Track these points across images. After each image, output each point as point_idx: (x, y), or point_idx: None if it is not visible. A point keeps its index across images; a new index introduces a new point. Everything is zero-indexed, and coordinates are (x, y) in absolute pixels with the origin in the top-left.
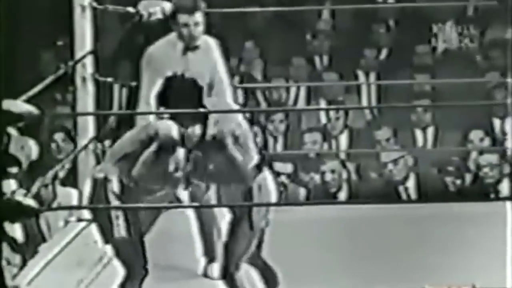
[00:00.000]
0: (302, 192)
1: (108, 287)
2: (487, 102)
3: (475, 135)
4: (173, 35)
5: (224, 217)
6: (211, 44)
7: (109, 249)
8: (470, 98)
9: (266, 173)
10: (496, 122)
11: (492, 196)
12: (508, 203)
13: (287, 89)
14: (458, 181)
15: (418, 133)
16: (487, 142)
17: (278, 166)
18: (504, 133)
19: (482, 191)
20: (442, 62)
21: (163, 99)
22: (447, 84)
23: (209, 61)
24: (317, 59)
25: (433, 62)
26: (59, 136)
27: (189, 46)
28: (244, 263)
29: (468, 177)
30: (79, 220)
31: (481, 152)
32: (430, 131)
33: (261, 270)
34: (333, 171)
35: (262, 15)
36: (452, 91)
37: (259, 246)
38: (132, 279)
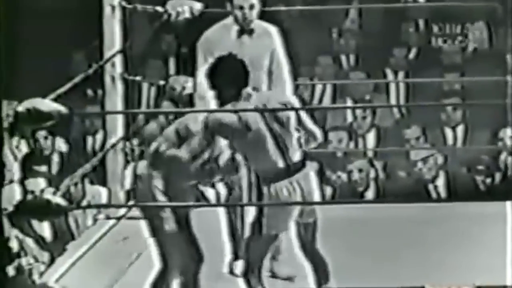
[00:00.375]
0: (328, 191)
1: (136, 284)
2: None
3: (505, 133)
4: (229, 19)
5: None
6: (269, 30)
7: (155, 243)
8: (499, 96)
9: (309, 170)
10: None
11: None
12: (508, 204)
13: (312, 88)
14: (488, 180)
15: (448, 132)
16: None
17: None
18: None
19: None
20: (472, 61)
21: (212, 78)
22: (476, 83)
23: (265, 47)
24: (343, 58)
25: (462, 61)
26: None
27: (244, 29)
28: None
29: (498, 176)
30: (108, 218)
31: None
32: (460, 129)
33: (313, 263)
34: (360, 170)
35: (288, 14)
36: (482, 89)
37: (313, 238)
38: (174, 271)
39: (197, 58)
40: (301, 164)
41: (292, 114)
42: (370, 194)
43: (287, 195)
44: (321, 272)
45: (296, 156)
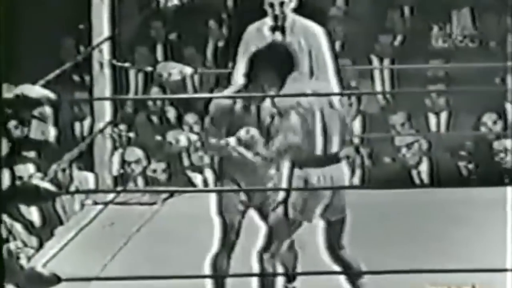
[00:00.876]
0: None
1: (124, 269)
2: (501, 87)
3: (489, 117)
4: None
5: None
6: (309, 30)
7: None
8: (483, 83)
9: (344, 164)
10: (509, 107)
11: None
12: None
13: None
14: (471, 166)
15: (432, 118)
16: (500, 125)
17: None
18: None
19: (496, 176)
20: (457, 48)
21: (251, 69)
22: (461, 70)
23: (301, 46)
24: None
25: (448, 48)
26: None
27: (277, 25)
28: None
29: (483, 162)
30: (95, 203)
31: (497, 137)
32: (444, 115)
33: (342, 266)
34: (347, 157)
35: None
36: (466, 76)
37: (339, 237)
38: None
39: (237, 59)
40: (337, 157)
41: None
42: (356, 180)
43: (316, 183)
44: (351, 270)
45: (335, 148)
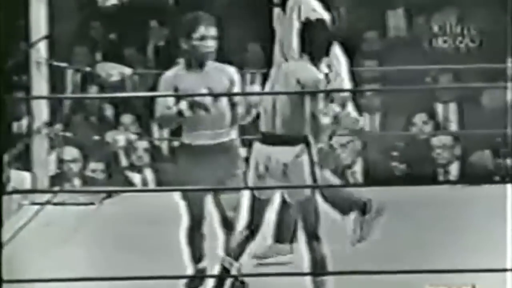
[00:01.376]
0: None
1: (62, 269)
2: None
3: (419, 118)
4: None
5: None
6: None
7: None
8: (416, 83)
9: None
10: (439, 107)
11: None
12: (508, 205)
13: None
14: (402, 166)
15: (367, 117)
16: (430, 125)
17: None
18: (447, 119)
19: (428, 176)
20: (390, 48)
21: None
22: (394, 70)
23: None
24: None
25: (381, 48)
26: None
27: None
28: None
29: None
30: (33, 203)
31: (433, 135)
32: (378, 115)
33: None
34: None
35: (221, 2)
36: (400, 76)
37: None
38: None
39: None
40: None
41: None
42: None
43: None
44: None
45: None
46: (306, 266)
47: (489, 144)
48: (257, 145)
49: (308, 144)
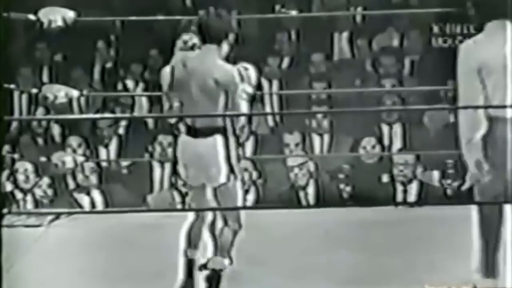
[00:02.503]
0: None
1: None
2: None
3: (368, 142)
4: None
5: None
6: None
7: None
8: (362, 105)
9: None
10: (385, 128)
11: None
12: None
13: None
14: (348, 188)
15: (316, 139)
16: (378, 149)
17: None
18: (390, 139)
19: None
20: (337, 71)
21: None
22: (341, 92)
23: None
24: None
25: (328, 71)
26: None
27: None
28: None
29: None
30: None
31: (380, 158)
32: (326, 137)
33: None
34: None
35: (169, 24)
36: (346, 98)
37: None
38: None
39: None
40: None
41: None
42: (251, 197)
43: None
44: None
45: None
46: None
47: (436, 165)
48: (182, 137)
49: (224, 134)
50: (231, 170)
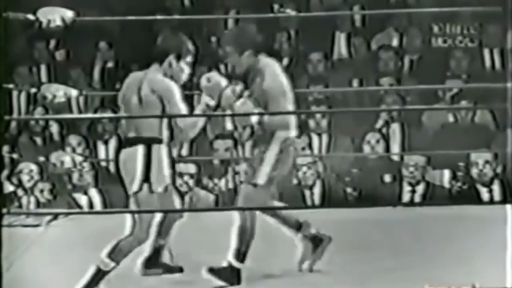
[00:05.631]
0: (210, 197)
1: None
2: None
3: (372, 136)
4: None
5: None
6: None
7: None
8: (360, 105)
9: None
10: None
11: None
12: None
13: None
14: (355, 193)
15: (315, 139)
16: (381, 145)
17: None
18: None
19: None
20: (335, 70)
21: None
22: (340, 92)
23: None
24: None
25: (326, 71)
26: None
27: None
28: None
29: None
30: None
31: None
32: (325, 137)
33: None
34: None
35: (169, 24)
36: (346, 98)
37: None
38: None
39: None
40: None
41: None
42: None
43: None
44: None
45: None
46: None
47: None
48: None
49: (148, 144)
50: (147, 179)
